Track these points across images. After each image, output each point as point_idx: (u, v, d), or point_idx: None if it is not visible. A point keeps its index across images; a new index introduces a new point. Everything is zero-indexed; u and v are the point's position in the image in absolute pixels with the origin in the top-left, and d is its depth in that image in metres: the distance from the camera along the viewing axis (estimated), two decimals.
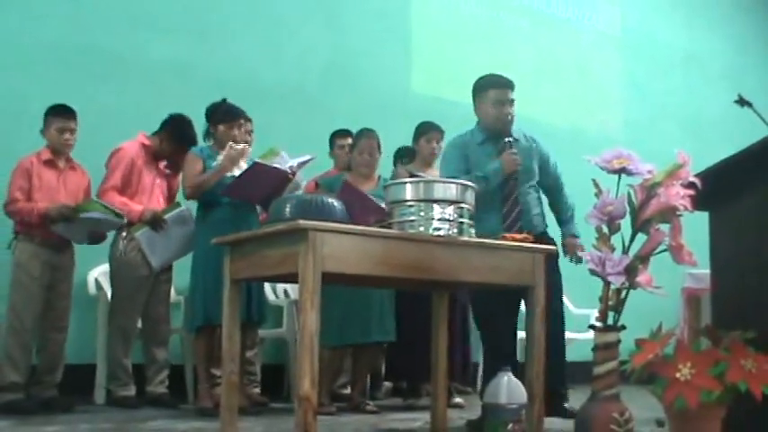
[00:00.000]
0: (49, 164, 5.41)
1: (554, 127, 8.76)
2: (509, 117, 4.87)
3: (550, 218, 5.17)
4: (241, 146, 5.31)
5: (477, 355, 6.78)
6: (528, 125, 8.29)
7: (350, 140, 6.09)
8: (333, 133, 6.38)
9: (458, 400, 6.00)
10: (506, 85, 4.90)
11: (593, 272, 3.22)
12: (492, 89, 4.88)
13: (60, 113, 5.42)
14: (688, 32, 10.27)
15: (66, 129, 5.42)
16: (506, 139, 4.84)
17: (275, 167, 5.16)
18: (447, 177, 4.67)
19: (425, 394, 5.87)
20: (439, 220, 3.57)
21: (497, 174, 4.73)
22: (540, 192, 5.07)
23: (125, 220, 5.43)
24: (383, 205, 4.70)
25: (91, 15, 6.51)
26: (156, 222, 5.46)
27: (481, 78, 5.00)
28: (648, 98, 9.75)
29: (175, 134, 5.68)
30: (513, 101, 4.88)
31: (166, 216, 5.51)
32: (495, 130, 4.87)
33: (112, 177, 5.51)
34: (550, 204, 5.18)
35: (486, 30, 8.72)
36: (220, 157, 5.27)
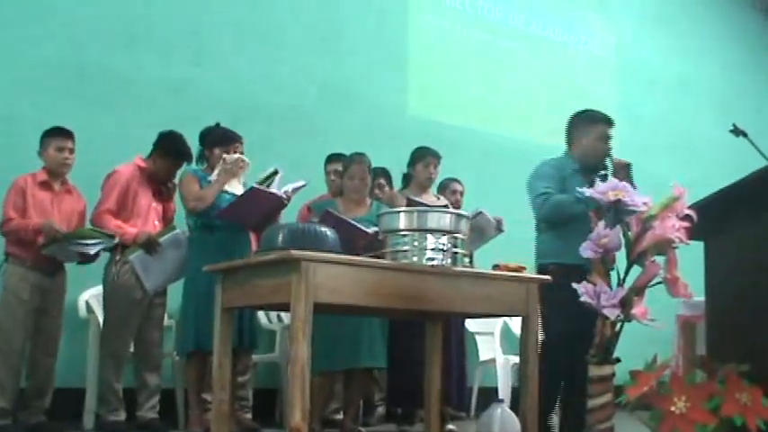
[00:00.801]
0: (44, 185, 5.38)
1: (548, 150, 8.69)
2: (608, 153, 4.92)
3: None
4: (235, 156, 5.28)
5: (473, 379, 6.81)
6: (522, 148, 8.41)
7: (336, 165, 6.09)
8: (326, 158, 6.35)
9: (450, 426, 5.94)
10: (612, 122, 5.00)
11: (587, 305, 3.20)
12: (601, 124, 4.95)
13: (58, 133, 5.41)
14: (682, 57, 10.27)
15: (65, 148, 5.39)
16: (602, 173, 4.81)
17: (272, 192, 5.13)
18: (537, 194, 4.78)
19: (419, 420, 5.83)
20: (432, 249, 3.55)
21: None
22: None
23: (116, 240, 5.38)
24: (370, 230, 4.72)
25: (87, 35, 6.48)
26: (150, 245, 5.40)
27: (588, 112, 5.08)
28: (642, 122, 9.72)
29: (169, 150, 5.63)
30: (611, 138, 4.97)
31: (161, 239, 5.45)
32: (590, 164, 4.91)
33: (107, 201, 5.46)
34: None
35: (481, 53, 8.70)
36: (215, 174, 5.24)
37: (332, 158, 6.28)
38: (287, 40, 7.49)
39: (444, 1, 8.60)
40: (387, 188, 6.17)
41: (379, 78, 7.97)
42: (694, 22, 10.48)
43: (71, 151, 5.43)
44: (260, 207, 5.16)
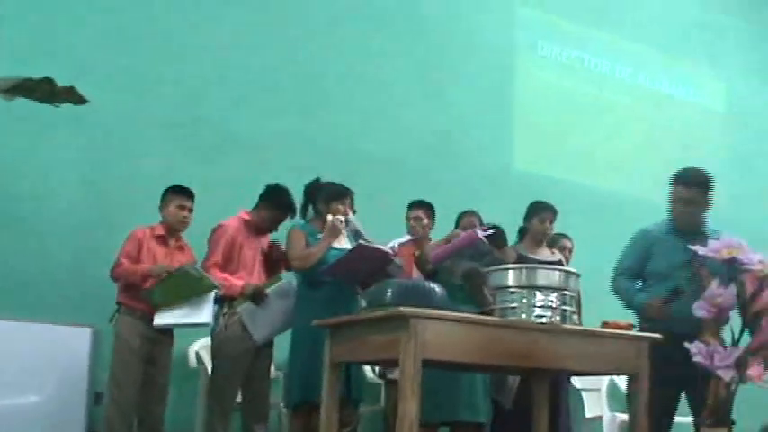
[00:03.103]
0: (160, 240, 5.53)
1: (656, 205, 8.61)
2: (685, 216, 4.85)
3: None
4: (342, 217, 5.36)
5: None
6: (631, 202, 8.30)
7: (420, 212, 6.12)
8: (409, 204, 6.33)
9: None
10: (688, 183, 4.88)
11: (701, 365, 3.13)
12: (674, 185, 4.91)
13: (180, 192, 5.58)
14: None
15: (186, 206, 5.56)
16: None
17: (379, 248, 5.18)
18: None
19: None
20: (541, 307, 3.53)
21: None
22: None
23: (219, 291, 5.47)
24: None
25: (200, 92, 6.71)
26: (257, 297, 5.47)
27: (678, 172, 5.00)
28: (755, 174, 9.53)
29: (274, 203, 5.70)
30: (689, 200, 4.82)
31: (268, 290, 5.52)
32: (679, 227, 4.89)
33: (213, 254, 5.55)
34: None
35: (588, 107, 8.68)
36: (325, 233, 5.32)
37: (413, 204, 6.27)
38: (394, 95, 7.61)
39: (550, 55, 8.63)
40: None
41: (485, 132, 8.03)
42: None
43: (190, 210, 5.58)
44: (367, 263, 5.21)
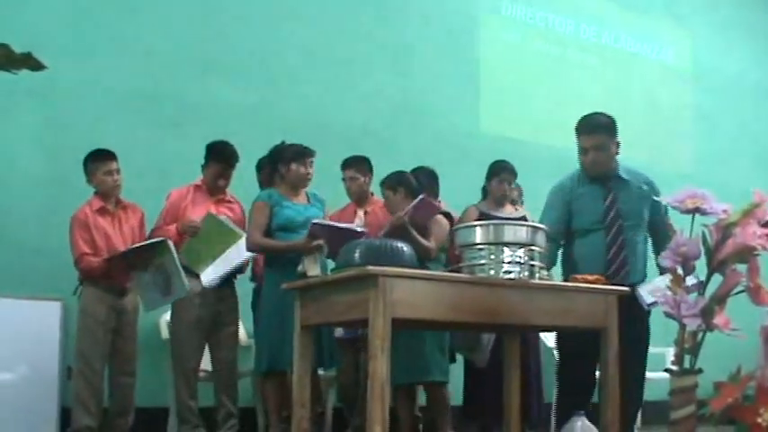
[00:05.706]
0: (101, 211, 5.47)
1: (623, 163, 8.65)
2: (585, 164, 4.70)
3: None
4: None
5: (550, 396, 6.73)
6: None
7: (352, 171, 6.04)
8: (341, 165, 6.20)
9: None
10: (581, 130, 4.74)
11: (668, 314, 3.15)
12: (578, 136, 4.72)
13: (103, 157, 5.48)
14: (759, 65, 10.09)
15: (112, 170, 5.48)
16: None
17: (345, 227, 5.15)
18: None
19: None
20: (509, 263, 3.54)
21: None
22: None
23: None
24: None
25: (161, 65, 6.65)
26: (191, 228, 5.45)
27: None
28: (720, 132, 9.59)
29: (212, 156, 5.69)
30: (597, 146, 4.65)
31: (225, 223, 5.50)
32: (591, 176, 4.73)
33: (162, 218, 5.58)
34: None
35: (553, 67, 8.68)
36: (303, 266, 5.14)
37: (345, 165, 6.13)
38: (357, 62, 7.57)
39: (514, 15, 8.60)
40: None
41: (450, 96, 8.00)
42: None
43: (118, 172, 5.51)
44: (337, 239, 5.21)
